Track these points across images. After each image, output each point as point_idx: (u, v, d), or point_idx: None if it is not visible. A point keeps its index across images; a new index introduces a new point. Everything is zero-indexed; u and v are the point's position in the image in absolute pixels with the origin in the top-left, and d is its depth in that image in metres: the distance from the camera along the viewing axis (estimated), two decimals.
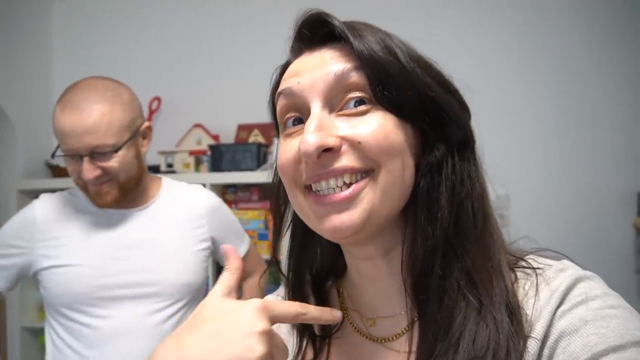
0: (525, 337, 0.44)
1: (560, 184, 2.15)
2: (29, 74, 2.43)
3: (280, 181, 0.54)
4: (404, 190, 0.48)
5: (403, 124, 0.48)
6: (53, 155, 1.13)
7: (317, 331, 0.57)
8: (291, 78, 0.50)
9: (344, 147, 0.47)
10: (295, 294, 0.58)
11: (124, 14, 2.50)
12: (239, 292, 1.56)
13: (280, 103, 0.51)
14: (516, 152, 2.14)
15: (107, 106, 1.07)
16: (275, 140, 2.08)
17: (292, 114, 0.50)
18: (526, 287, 0.48)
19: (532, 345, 0.44)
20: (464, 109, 0.52)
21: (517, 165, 2.10)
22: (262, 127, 2.25)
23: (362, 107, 0.47)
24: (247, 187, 2.17)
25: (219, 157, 2.13)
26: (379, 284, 0.54)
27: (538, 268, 0.49)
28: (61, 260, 1.14)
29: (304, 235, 0.56)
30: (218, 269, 2.07)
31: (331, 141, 0.46)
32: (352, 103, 0.48)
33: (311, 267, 0.59)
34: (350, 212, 0.47)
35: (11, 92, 2.31)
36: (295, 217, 0.57)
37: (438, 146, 0.49)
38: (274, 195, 0.58)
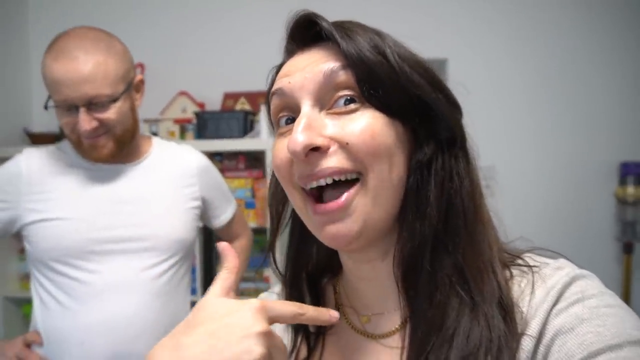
0: (519, 335, 0.45)
1: (543, 155, 2.19)
2: (4, 38, 2.33)
3: (277, 180, 0.54)
4: (396, 191, 0.49)
5: (393, 122, 0.48)
6: (46, 107, 1.09)
7: (311, 328, 0.58)
8: (283, 78, 0.50)
9: (333, 148, 0.47)
10: (292, 292, 0.59)
11: None
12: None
13: (274, 103, 0.51)
14: (501, 124, 2.16)
15: (102, 56, 1.04)
16: (263, 108, 2.06)
17: (285, 113, 0.51)
18: (522, 285, 0.49)
19: (527, 343, 0.44)
20: (454, 107, 0.52)
21: (501, 136, 2.14)
22: (248, 95, 2.22)
23: (352, 106, 0.48)
24: (234, 155, 2.14)
25: (204, 124, 2.10)
26: (375, 284, 0.54)
27: (534, 266, 0.50)
28: (52, 214, 1.11)
29: (301, 233, 0.57)
30: (205, 232, 2.05)
31: (319, 141, 0.47)
32: (341, 101, 0.48)
33: (307, 264, 0.60)
34: (345, 222, 0.48)
35: None
36: (294, 215, 0.58)
37: (428, 143, 0.49)
38: (272, 194, 0.59)
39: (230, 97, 2.26)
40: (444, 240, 0.48)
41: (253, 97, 2.20)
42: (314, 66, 0.49)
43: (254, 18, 2.20)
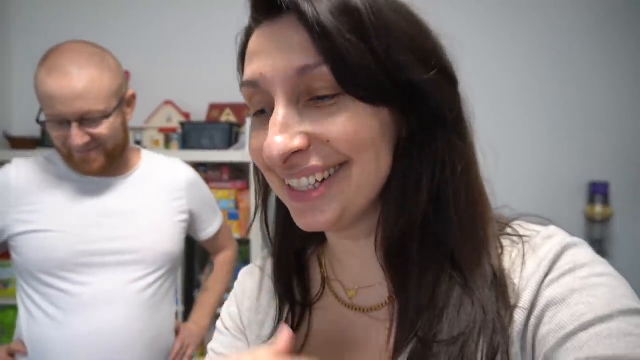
0: (511, 308, 0.44)
1: (514, 173, 2.27)
2: None
3: None
4: (380, 179, 0.46)
5: (377, 111, 0.44)
6: (38, 120, 1.10)
7: (297, 299, 0.57)
8: (253, 65, 0.46)
9: (313, 145, 0.44)
10: (280, 263, 0.58)
11: None
12: (210, 267, 1.54)
13: (245, 92, 0.48)
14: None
15: (96, 71, 1.06)
16: (248, 120, 2.09)
17: (259, 105, 0.47)
18: (513, 256, 0.47)
19: (519, 315, 0.44)
20: (449, 82, 0.47)
21: None
22: (234, 107, 2.24)
23: (331, 100, 0.44)
24: (218, 166, 2.16)
25: (189, 135, 2.11)
26: (361, 259, 0.53)
27: (525, 235, 0.49)
28: (40, 226, 1.12)
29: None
30: (189, 243, 2.06)
31: (297, 143, 0.43)
32: (319, 94, 0.44)
33: (294, 236, 0.57)
34: (323, 211, 0.46)
35: None
36: None
37: (418, 126, 0.46)
38: (257, 171, 0.56)
39: (216, 108, 2.28)
40: (434, 228, 0.46)
41: (238, 109, 2.23)
42: (285, 54, 0.44)
43: (242, 29, 2.23)
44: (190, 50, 2.34)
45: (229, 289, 1.71)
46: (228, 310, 0.64)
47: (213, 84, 2.28)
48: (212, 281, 1.44)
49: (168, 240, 1.23)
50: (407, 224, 0.46)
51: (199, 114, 2.30)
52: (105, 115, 1.08)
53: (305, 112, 0.44)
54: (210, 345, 0.63)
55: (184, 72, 2.33)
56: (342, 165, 0.45)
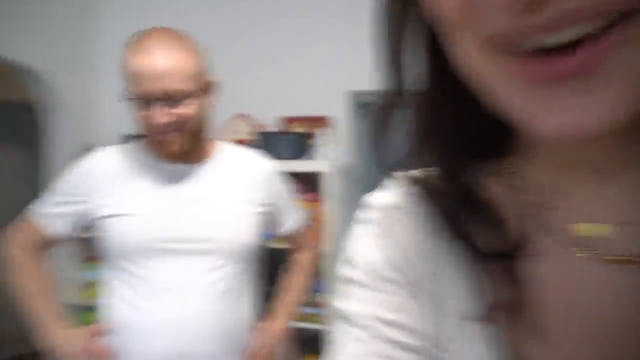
0: None
1: None
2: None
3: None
4: None
5: None
6: (123, 99, 1.11)
7: (496, 248, 0.33)
8: None
9: None
10: (455, 196, 0.35)
11: None
12: (287, 270, 1.42)
13: None
14: None
15: (181, 52, 1.07)
16: (318, 130, 2.07)
17: None
18: None
19: None
20: None
21: None
22: (306, 120, 2.24)
23: None
24: (290, 177, 2.14)
25: (267, 144, 2.11)
26: (607, 177, 0.31)
27: None
28: (122, 210, 1.12)
29: (449, 91, 0.32)
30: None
31: None
32: None
33: (457, 146, 0.35)
34: (598, 100, 0.22)
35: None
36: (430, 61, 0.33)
37: None
38: (390, 25, 0.33)
39: (287, 120, 2.28)
40: None
41: (311, 121, 2.22)
42: None
43: (327, 41, 2.24)
44: (262, 63, 2.38)
45: (306, 293, 1.59)
46: (366, 255, 0.38)
47: (284, 98, 2.30)
48: (291, 282, 1.36)
49: (245, 230, 1.19)
50: None
51: (269, 128, 2.32)
52: (189, 96, 1.07)
53: None
54: (355, 308, 0.37)
55: (255, 85, 2.37)
56: (627, 16, 0.22)
